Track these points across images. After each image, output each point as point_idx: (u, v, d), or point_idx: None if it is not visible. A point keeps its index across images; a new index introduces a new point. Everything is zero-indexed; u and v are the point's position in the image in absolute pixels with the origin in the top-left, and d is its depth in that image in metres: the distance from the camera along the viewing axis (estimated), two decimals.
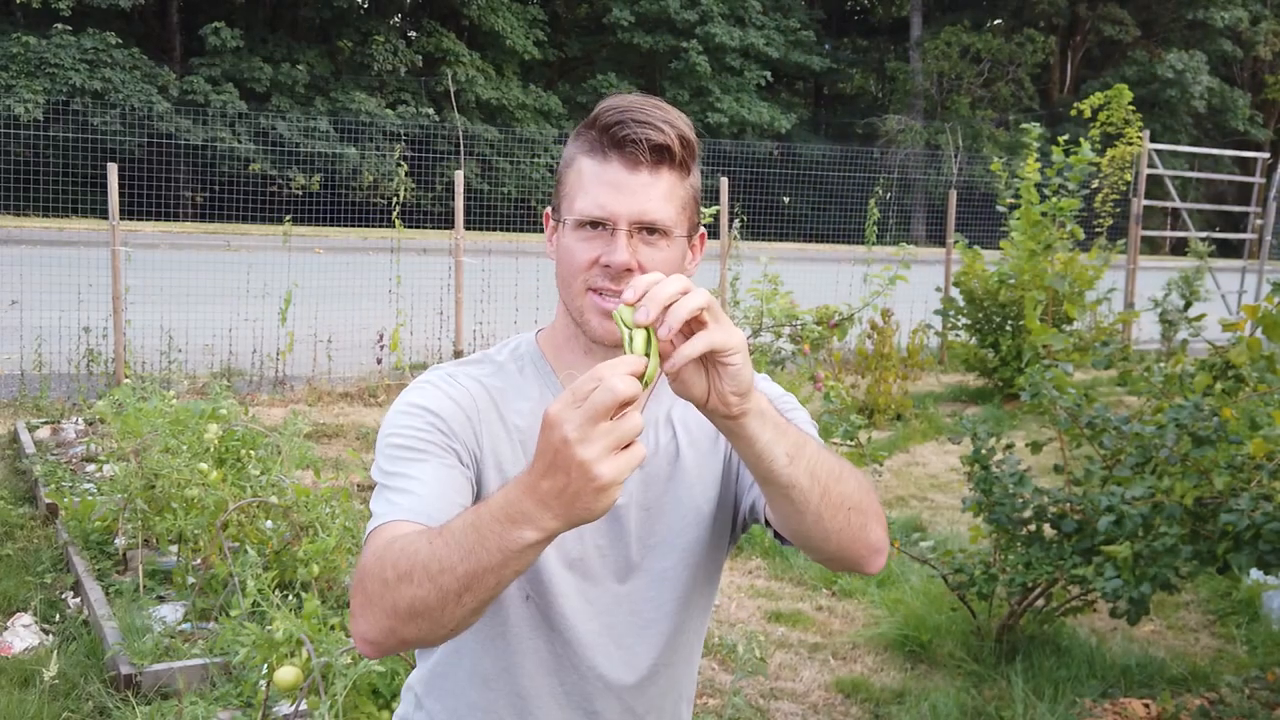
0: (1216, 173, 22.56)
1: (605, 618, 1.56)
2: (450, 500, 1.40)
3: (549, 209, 1.59)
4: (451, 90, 21.63)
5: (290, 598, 4.05)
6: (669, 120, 1.47)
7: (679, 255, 1.50)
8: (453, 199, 10.22)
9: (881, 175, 15.18)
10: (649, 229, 1.46)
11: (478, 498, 1.48)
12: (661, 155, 1.46)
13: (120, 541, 4.85)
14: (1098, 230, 12.21)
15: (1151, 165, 13.43)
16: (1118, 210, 12.76)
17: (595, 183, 1.46)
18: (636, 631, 1.58)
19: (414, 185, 11.20)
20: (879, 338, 9.24)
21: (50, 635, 4.29)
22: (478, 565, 1.20)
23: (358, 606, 1.31)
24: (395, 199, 10.15)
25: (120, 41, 26.59)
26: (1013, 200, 9.75)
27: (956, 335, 10.57)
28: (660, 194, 1.46)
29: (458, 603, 1.23)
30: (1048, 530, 4.05)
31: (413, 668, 1.76)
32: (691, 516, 1.59)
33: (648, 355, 1.19)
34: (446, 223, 10.98)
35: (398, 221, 9.92)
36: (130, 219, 13.75)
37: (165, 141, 22.92)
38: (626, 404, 1.13)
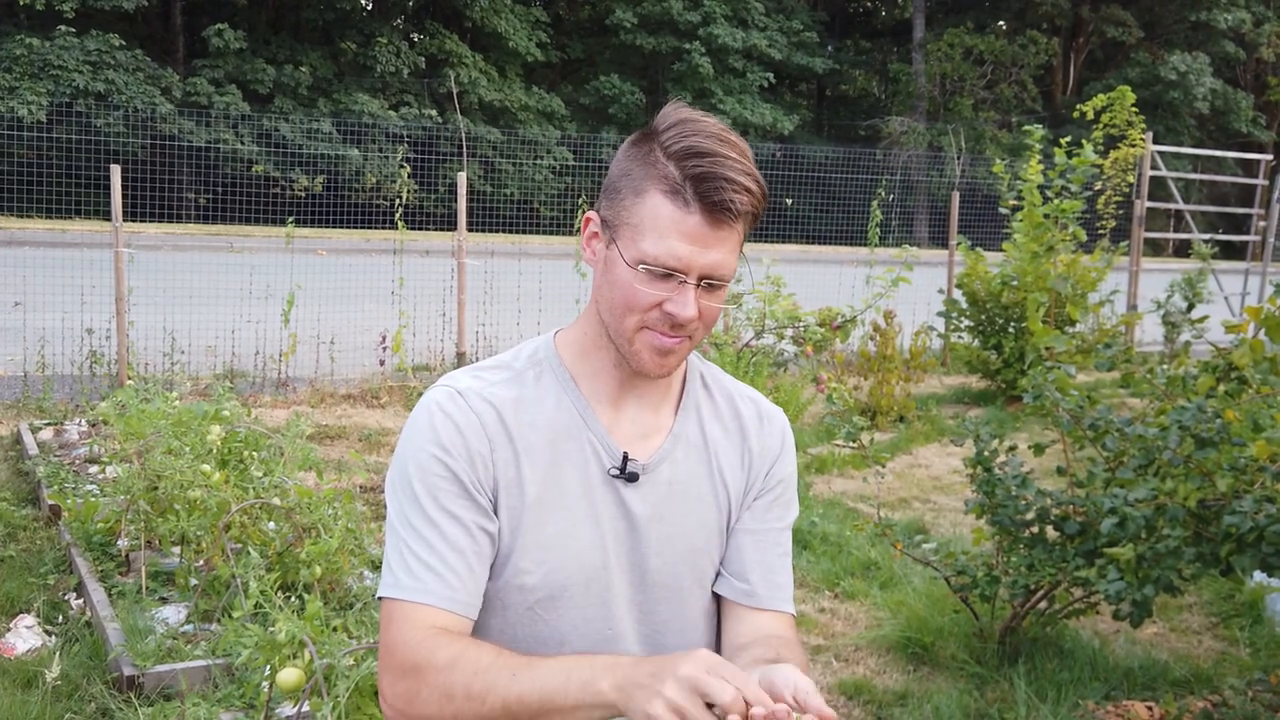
0: (1220, 174, 22.54)
1: (619, 626, 1.58)
2: (479, 580, 1.48)
3: (592, 212, 1.55)
4: (454, 92, 21.66)
5: (293, 599, 4.05)
6: (752, 174, 1.45)
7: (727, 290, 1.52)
8: (455, 200, 10.23)
9: (884, 177, 15.20)
10: (714, 281, 1.47)
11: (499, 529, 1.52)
12: (743, 215, 1.46)
13: (123, 543, 4.85)
14: (1100, 232, 12.20)
15: (1154, 167, 13.42)
16: (1120, 212, 12.75)
17: (672, 230, 1.43)
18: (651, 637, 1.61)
19: (416, 187, 11.22)
20: (881, 339, 9.24)
21: (53, 636, 4.29)
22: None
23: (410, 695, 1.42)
24: (398, 200, 10.16)
25: (123, 43, 26.60)
26: (1015, 202, 9.74)
27: (959, 337, 10.57)
28: (732, 247, 1.47)
29: None
30: (1050, 532, 4.04)
31: None
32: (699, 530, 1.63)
33: None
34: (449, 224, 10.99)
35: (400, 223, 9.93)
36: (133, 220, 13.78)
37: (168, 143, 22.93)
38: None
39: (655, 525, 1.56)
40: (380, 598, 1.50)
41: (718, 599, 1.66)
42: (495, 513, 1.51)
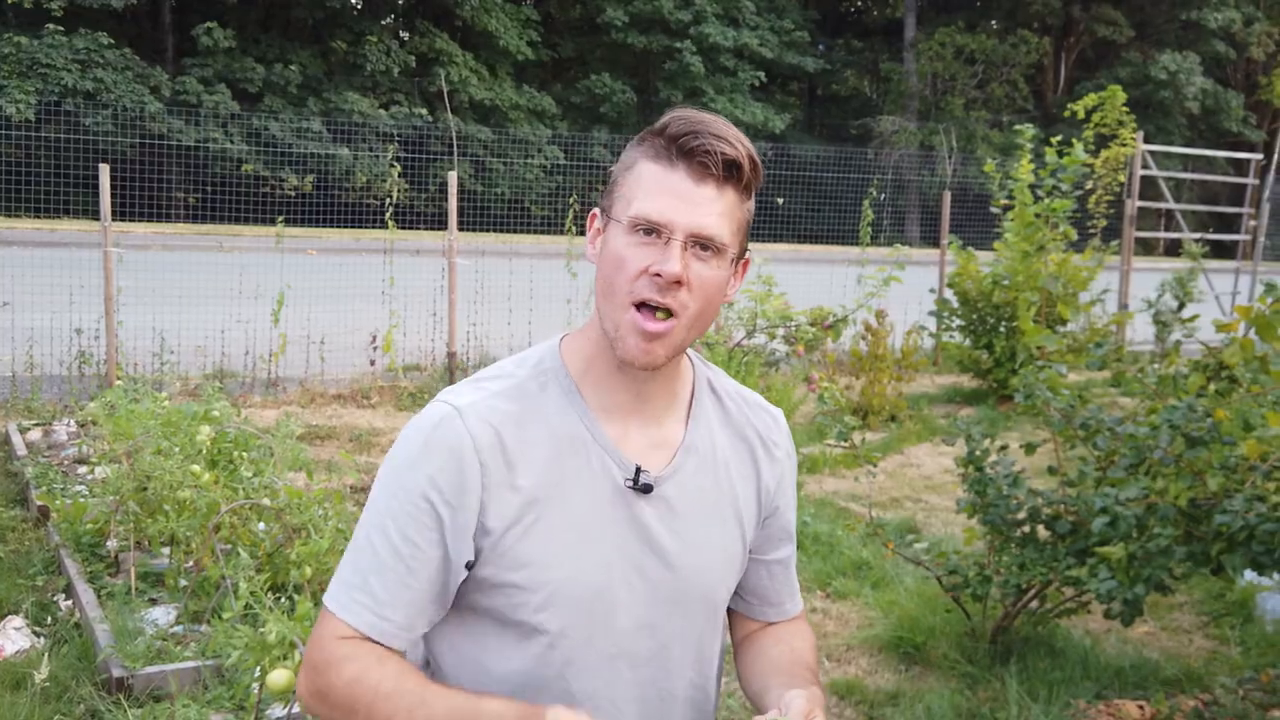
0: (1210, 174, 22.58)
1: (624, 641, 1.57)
2: (423, 618, 1.49)
3: (595, 210, 1.54)
4: (445, 91, 21.58)
5: (283, 600, 4.03)
6: (740, 139, 1.45)
7: (726, 276, 1.48)
8: (446, 200, 10.20)
9: (876, 176, 15.20)
10: (703, 243, 1.43)
11: (471, 564, 1.47)
12: (730, 171, 1.44)
13: (112, 544, 4.83)
14: (1091, 231, 12.23)
15: (1145, 166, 13.45)
16: (1112, 211, 12.78)
17: (657, 188, 1.43)
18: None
19: (407, 186, 11.18)
20: (873, 339, 9.24)
21: (42, 638, 4.27)
22: None
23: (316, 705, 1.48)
24: (388, 200, 10.14)
25: (112, 42, 26.53)
26: (1006, 201, 9.75)
27: (951, 336, 10.58)
28: (721, 210, 1.44)
29: None
30: (1042, 532, 4.05)
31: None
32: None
33: None
34: (440, 224, 10.96)
35: (391, 222, 9.90)
36: (122, 220, 13.70)
37: (157, 142, 22.87)
38: None
39: (665, 539, 1.53)
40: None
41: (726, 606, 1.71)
42: (479, 551, 1.46)
